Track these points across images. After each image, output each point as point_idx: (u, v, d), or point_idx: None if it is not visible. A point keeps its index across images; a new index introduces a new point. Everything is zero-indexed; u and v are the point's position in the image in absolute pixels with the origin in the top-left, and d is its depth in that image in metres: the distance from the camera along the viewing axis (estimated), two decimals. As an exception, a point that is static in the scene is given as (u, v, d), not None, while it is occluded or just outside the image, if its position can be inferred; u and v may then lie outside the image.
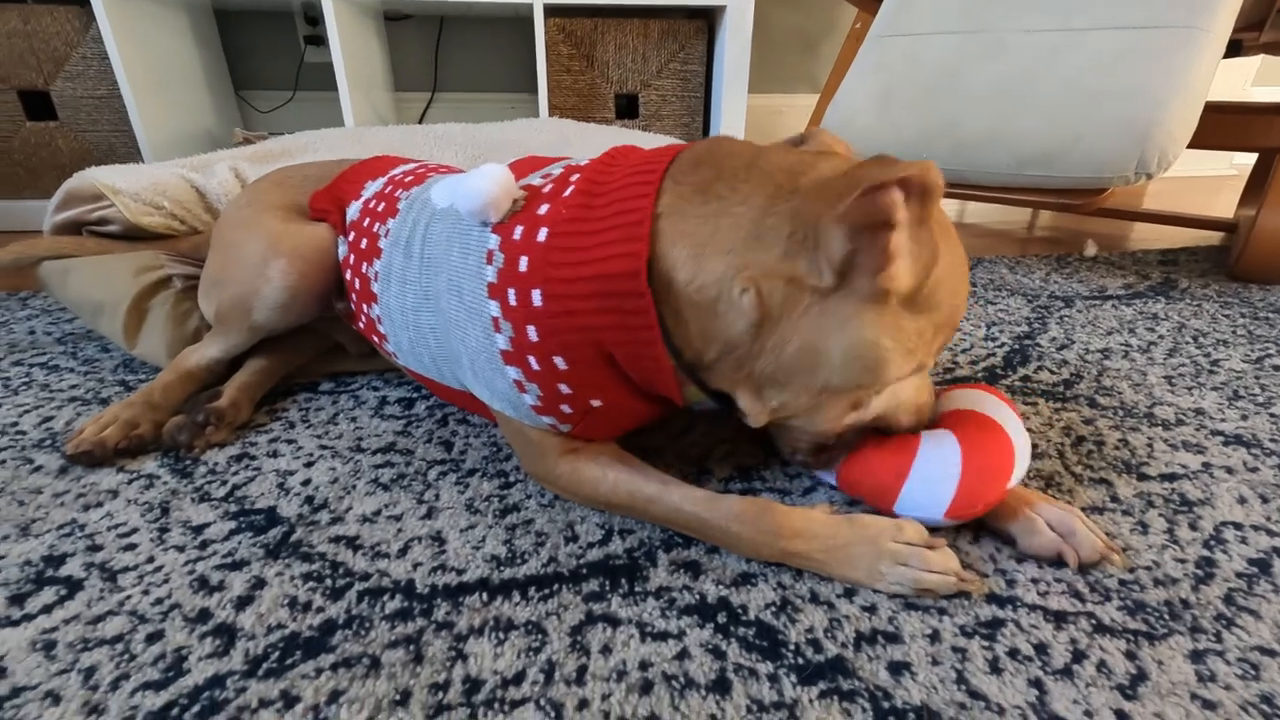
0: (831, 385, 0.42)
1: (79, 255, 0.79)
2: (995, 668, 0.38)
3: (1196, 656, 0.38)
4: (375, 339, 0.63)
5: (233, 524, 0.50)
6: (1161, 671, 0.37)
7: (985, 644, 0.39)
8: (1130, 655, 0.38)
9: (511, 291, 0.45)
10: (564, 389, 0.46)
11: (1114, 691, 0.36)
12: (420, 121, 1.89)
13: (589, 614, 0.41)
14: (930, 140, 1.15)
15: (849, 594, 0.43)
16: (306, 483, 0.55)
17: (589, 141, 1.21)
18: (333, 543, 0.48)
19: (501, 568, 0.45)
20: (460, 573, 0.45)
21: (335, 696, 0.36)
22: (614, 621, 0.41)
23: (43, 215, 0.86)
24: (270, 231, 0.64)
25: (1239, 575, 0.45)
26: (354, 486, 0.54)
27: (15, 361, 0.77)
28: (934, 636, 0.40)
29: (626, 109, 1.65)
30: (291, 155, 1.05)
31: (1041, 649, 0.39)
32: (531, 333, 0.45)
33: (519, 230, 0.46)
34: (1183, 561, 0.46)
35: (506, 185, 0.47)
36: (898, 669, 0.38)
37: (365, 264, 0.59)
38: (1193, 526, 0.49)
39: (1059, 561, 0.45)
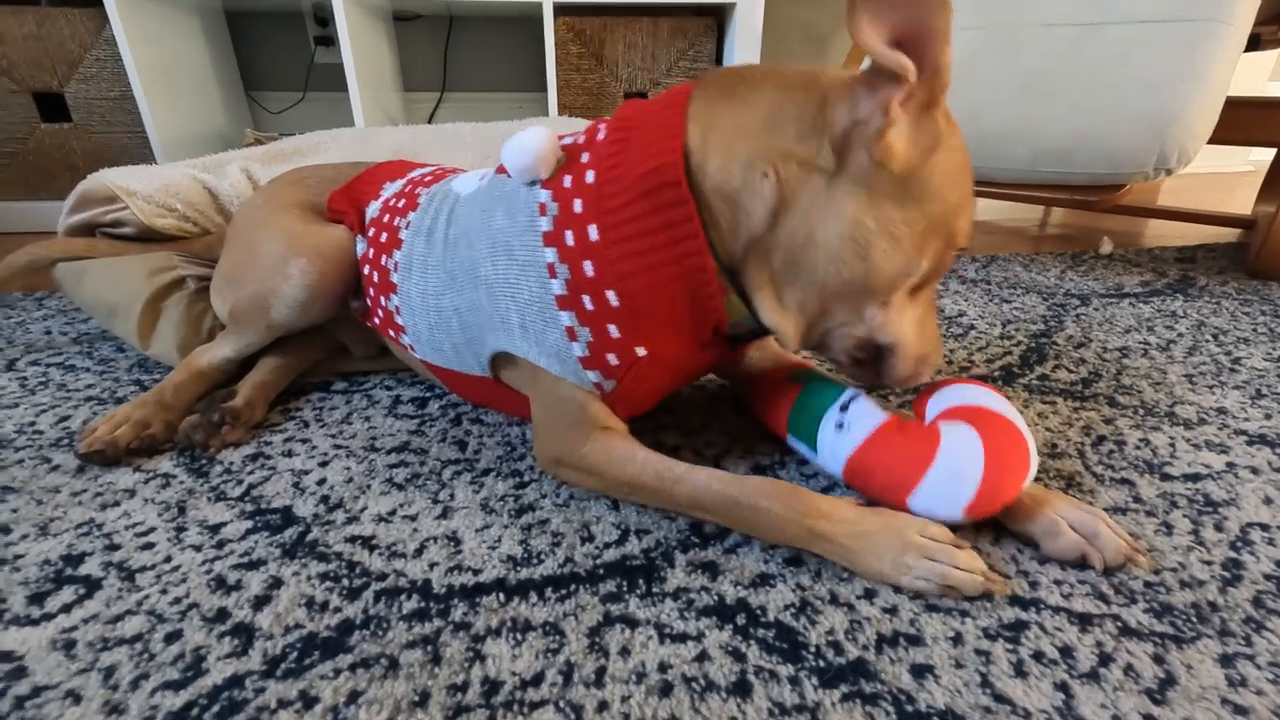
0: (829, 283, 0.44)
1: (93, 257, 0.80)
2: (1020, 671, 0.37)
3: (1226, 660, 0.38)
4: (392, 332, 0.63)
5: (249, 523, 0.50)
6: (1191, 676, 0.37)
7: (1009, 647, 0.39)
8: (1158, 659, 0.38)
9: (569, 233, 0.47)
10: (613, 331, 0.47)
11: (1142, 695, 0.36)
12: (429, 121, 1.89)
13: (607, 615, 0.41)
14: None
15: (869, 595, 0.42)
16: (321, 482, 0.55)
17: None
18: (349, 542, 0.48)
19: (518, 568, 0.45)
20: (477, 573, 0.45)
21: (354, 697, 0.36)
22: (632, 623, 0.41)
23: (57, 217, 0.87)
24: (289, 230, 0.64)
25: (1267, 577, 0.44)
26: (369, 486, 0.54)
27: (32, 361, 0.78)
28: (957, 639, 0.39)
29: (636, 107, 1.65)
30: (303, 155, 1.06)
31: (1067, 652, 0.38)
32: (588, 268, 0.46)
33: (568, 179, 0.48)
34: (1209, 563, 0.45)
35: (553, 143, 0.49)
36: (920, 672, 0.37)
37: (385, 256, 0.60)
38: (1218, 528, 0.49)
39: (1082, 563, 0.44)
